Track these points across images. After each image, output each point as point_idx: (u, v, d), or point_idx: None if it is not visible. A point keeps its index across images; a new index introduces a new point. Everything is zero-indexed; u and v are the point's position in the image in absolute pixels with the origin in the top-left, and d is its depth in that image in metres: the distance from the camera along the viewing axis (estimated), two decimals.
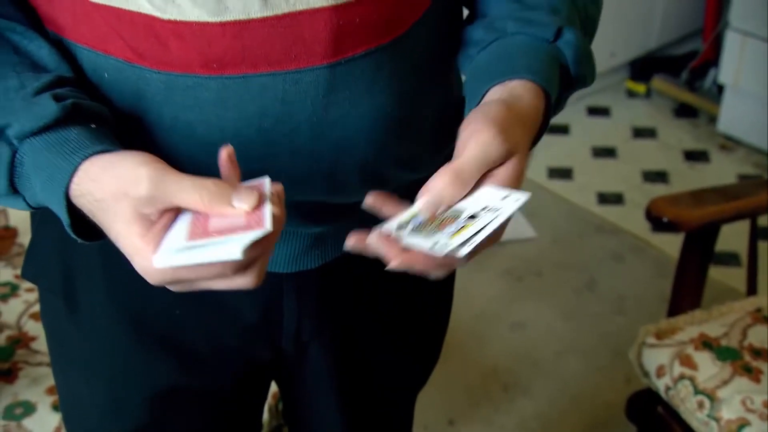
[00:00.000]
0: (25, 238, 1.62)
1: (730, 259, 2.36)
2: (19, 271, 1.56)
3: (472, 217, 0.68)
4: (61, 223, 0.88)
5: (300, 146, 0.75)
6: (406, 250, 0.68)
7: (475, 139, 0.69)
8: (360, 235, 0.69)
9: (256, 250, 0.63)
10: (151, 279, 0.66)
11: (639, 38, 3.02)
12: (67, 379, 0.98)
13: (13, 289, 1.53)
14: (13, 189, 0.70)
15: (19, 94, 0.69)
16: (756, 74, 2.66)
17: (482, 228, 0.67)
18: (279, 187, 0.67)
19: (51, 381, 1.37)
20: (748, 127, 2.75)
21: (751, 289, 1.62)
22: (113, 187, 0.65)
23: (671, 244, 2.23)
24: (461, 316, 2.17)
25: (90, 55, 0.74)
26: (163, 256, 0.64)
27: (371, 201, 0.72)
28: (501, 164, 0.71)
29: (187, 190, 0.64)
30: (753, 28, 2.64)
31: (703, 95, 2.94)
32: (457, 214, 0.70)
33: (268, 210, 0.64)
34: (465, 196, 0.70)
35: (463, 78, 0.83)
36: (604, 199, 2.61)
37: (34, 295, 1.52)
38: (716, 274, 2.29)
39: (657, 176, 2.69)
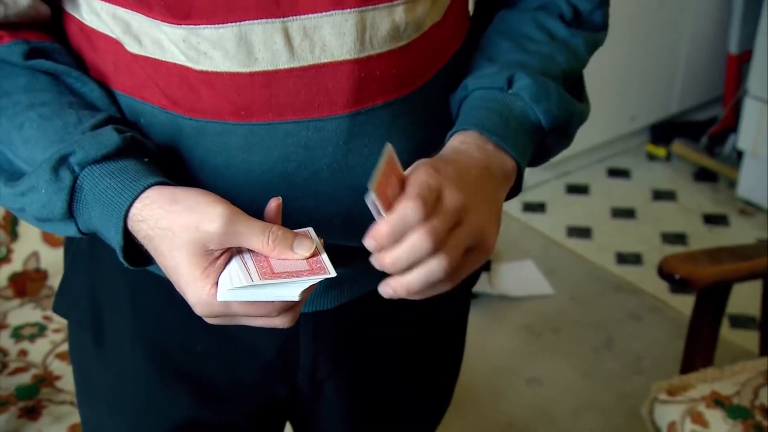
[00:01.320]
0: (54, 280, 1.66)
1: (746, 321, 2.36)
2: (47, 313, 1.60)
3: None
4: (94, 256, 0.92)
5: (321, 190, 0.79)
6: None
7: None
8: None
9: (304, 294, 0.69)
10: (200, 310, 0.71)
11: (660, 103, 3.07)
12: (91, 412, 1.01)
13: (41, 330, 1.57)
14: (69, 213, 0.74)
15: (78, 128, 0.75)
16: None
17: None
18: (321, 239, 0.73)
19: (74, 419, 1.40)
20: None
21: (764, 349, 1.63)
22: (185, 219, 0.69)
23: (690, 306, 2.23)
24: (477, 369, 2.18)
25: (128, 102, 0.80)
26: (228, 291, 0.69)
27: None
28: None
29: (256, 232, 0.69)
30: None
31: (723, 160, 2.96)
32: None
33: (326, 257, 0.70)
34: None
35: None
36: (623, 259, 2.62)
37: (60, 336, 1.56)
38: (732, 336, 2.29)
39: (676, 238, 2.71)
